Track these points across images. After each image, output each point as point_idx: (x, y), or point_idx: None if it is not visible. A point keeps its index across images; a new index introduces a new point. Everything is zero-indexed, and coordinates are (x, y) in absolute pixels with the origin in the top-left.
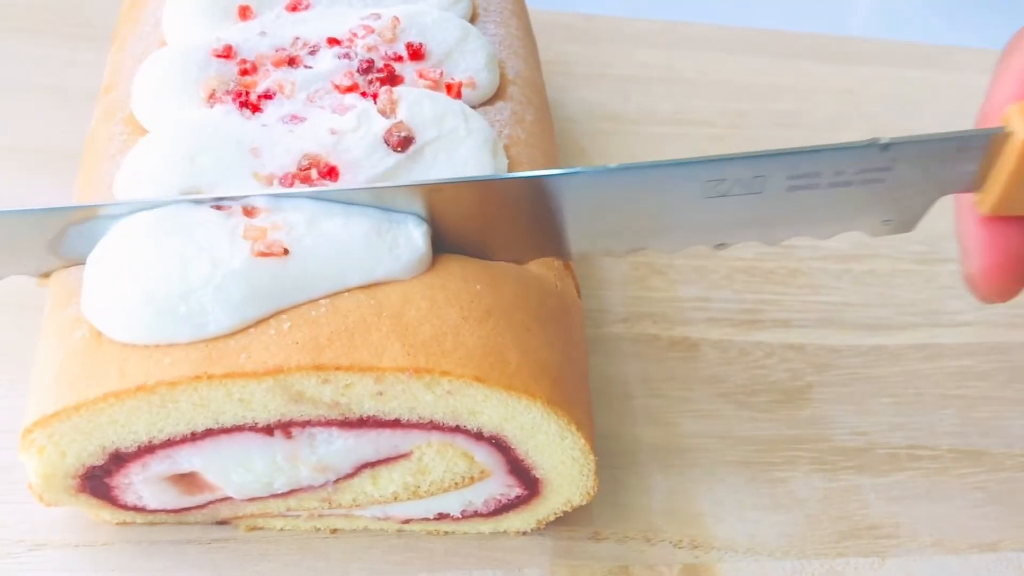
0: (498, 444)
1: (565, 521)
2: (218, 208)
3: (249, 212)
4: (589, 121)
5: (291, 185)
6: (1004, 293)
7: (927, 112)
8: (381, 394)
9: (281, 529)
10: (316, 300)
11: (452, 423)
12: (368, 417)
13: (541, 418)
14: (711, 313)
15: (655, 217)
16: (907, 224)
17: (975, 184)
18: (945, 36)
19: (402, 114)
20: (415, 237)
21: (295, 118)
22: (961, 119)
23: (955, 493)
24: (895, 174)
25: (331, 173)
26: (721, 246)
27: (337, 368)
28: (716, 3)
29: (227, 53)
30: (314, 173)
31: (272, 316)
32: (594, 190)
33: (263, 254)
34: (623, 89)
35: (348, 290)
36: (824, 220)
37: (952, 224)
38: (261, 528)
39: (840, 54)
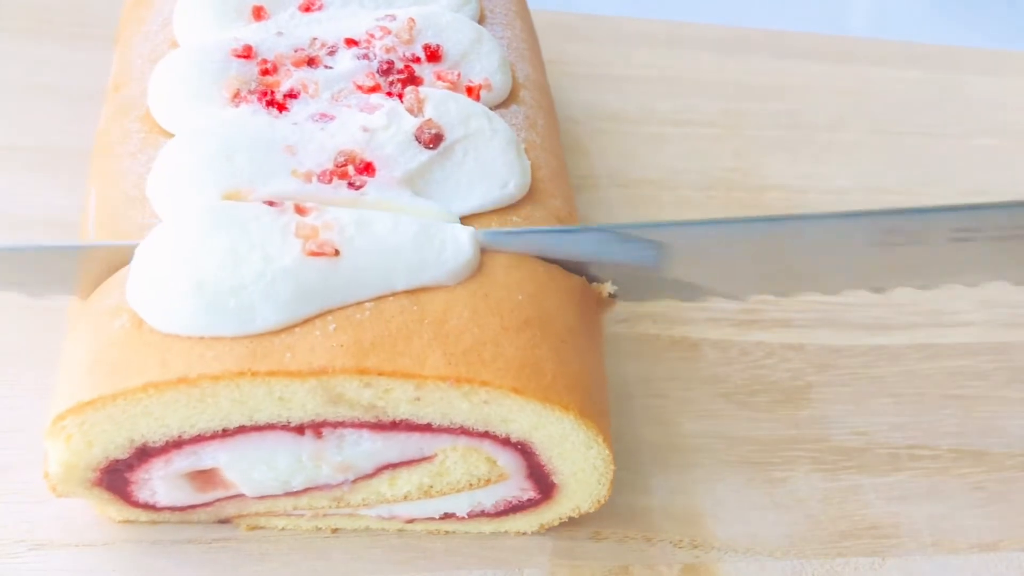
0: (524, 449)
1: (566, 521)
2: (270, 204)
3: (301, 209)
4: (589, 121)
5: (329, 182)
6: None
7: (927, 112)
8: (418, 400)
9: (282, 529)
10: (362, 302)
11: (482, 429)
12: (401, 420)
13: (571, 428)
14: (711, 313)
15: (826, 262)
16: None
17: None
18: (945, 36)
19: (429, 113)
20: (462, 241)
21: (324, 116)
22: (961, 119)
23: (955, 493)
24: None
25: (368, 169)
26: (879, 290)
27: (380, 373)
28: (716, 3)
29: (247, 53)
30: (351, 169)
31: (318, 316)
32: (780, 238)
33: (315, 253)
34: (623, 89)
35: (393, 294)
36: (977, 270)
37: None
38: (262, 528)
39: (840, 54)
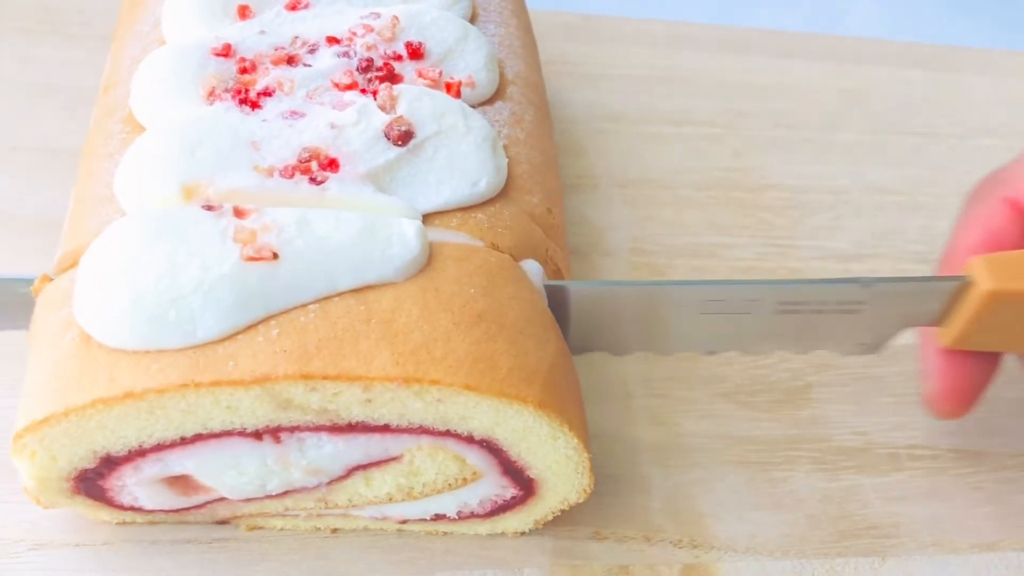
0: (489, 447)
1: (565, 521)
2: (208, 208)
3: (239, 212)
4: (589, 121)
5: (291, 177)
6: (956, 413)
7: (927, 112)
8: (370, 401)
9: (281, 529)
10: (306, 305)
11: (442, 428)
12: (357, 422)
13: (533, 421)
14: None
15: (658, 327)
16: (876, 348)
17: (938, 319)
18: (945, 36)
19: (402, 110)
20: (409, 236)
21: (295, 113)
22: (960, 119)
23: (955, 493)
24: (871, 307)
25: (331, 165)
26: (711, 353)
27: (325, 377)
28: (716, 3)
29: (226, 52)
30: (314, 165)
31: (261, 322)
32: (607, 301)
33: (252, 258)
34: (623, 89)
35: (338, 294)
36: (803, 340)
37: (951, 224)
38: (261, 528)
39: (840, 54)
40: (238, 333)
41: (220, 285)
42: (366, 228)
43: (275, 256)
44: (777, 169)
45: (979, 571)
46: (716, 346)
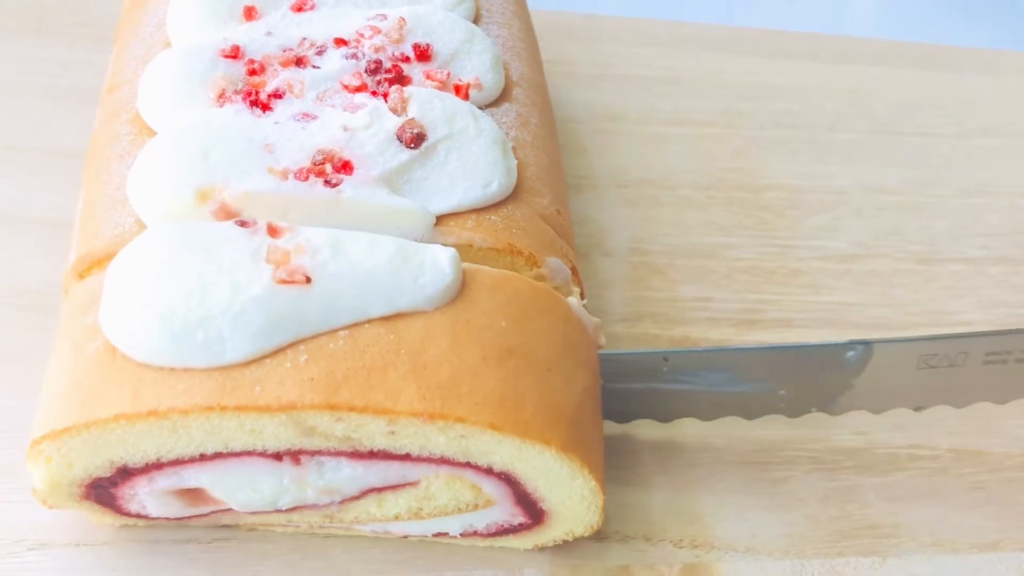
0: (507, 479)
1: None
2: (242, 224)
3: (273, 230)
4: (590, 121)
5: (305, 179)
6: None
7: (927, 112)
8: (393, 433)
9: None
10: (335, 331)
11: (463, 460)
12: (379, 451)
13: (554, 462)
14: (711, 313)
15: (873, 384)
16: None
17: None
18: (945, 36)
19: (413, 112)
20: (442, 263)
21: (307, 116)
22: (960, 119)
23: (955, 493)
24: None
25: (345, 167)
26: (919, 409)
27: (351, 409)
28: (716, 3)
29: (234, 53)
30: (328, 168)
31: (289, 346)
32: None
33: (285, 282)
34: (623, 89)
35: (368, 321)
36: (1007, 389)
37: (951, 224)
38: (262, 528)
39: (840, 54)
40: (265, 357)
41: (250, 307)
42: (399, 254)
43: (308, 280)
44: (777, 169)
45: (979, 571)
46: (926, 401)
